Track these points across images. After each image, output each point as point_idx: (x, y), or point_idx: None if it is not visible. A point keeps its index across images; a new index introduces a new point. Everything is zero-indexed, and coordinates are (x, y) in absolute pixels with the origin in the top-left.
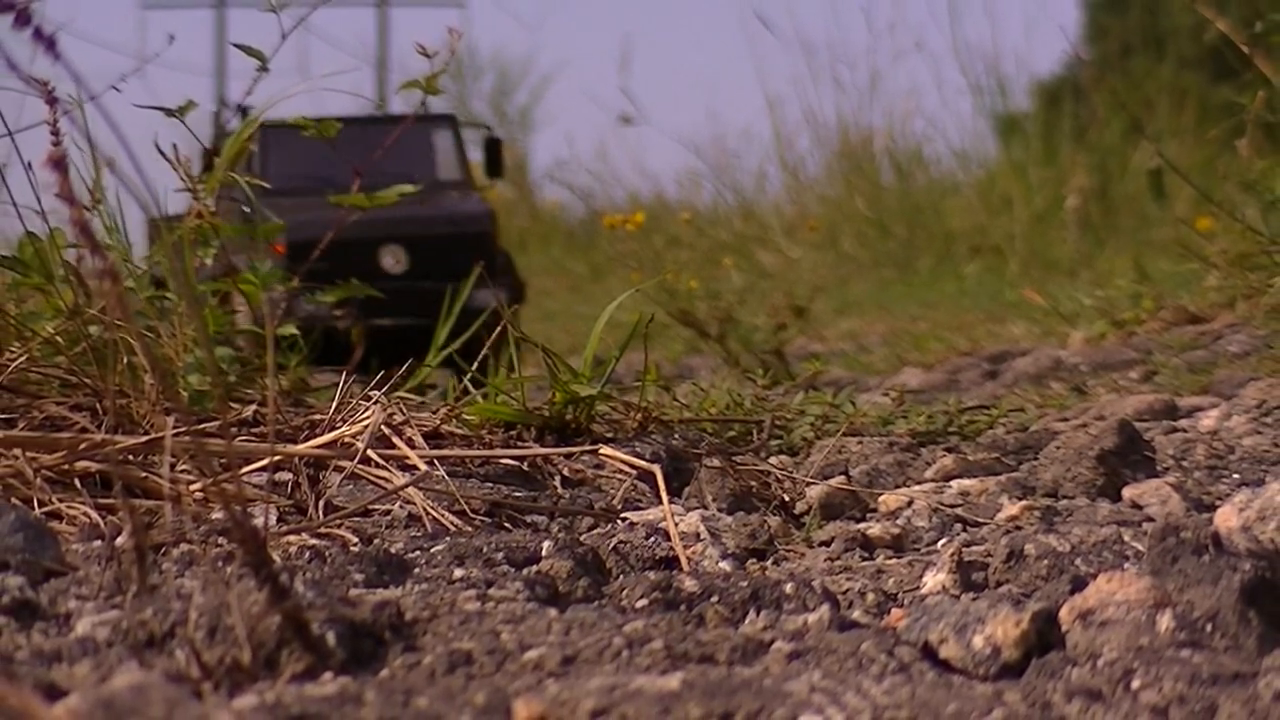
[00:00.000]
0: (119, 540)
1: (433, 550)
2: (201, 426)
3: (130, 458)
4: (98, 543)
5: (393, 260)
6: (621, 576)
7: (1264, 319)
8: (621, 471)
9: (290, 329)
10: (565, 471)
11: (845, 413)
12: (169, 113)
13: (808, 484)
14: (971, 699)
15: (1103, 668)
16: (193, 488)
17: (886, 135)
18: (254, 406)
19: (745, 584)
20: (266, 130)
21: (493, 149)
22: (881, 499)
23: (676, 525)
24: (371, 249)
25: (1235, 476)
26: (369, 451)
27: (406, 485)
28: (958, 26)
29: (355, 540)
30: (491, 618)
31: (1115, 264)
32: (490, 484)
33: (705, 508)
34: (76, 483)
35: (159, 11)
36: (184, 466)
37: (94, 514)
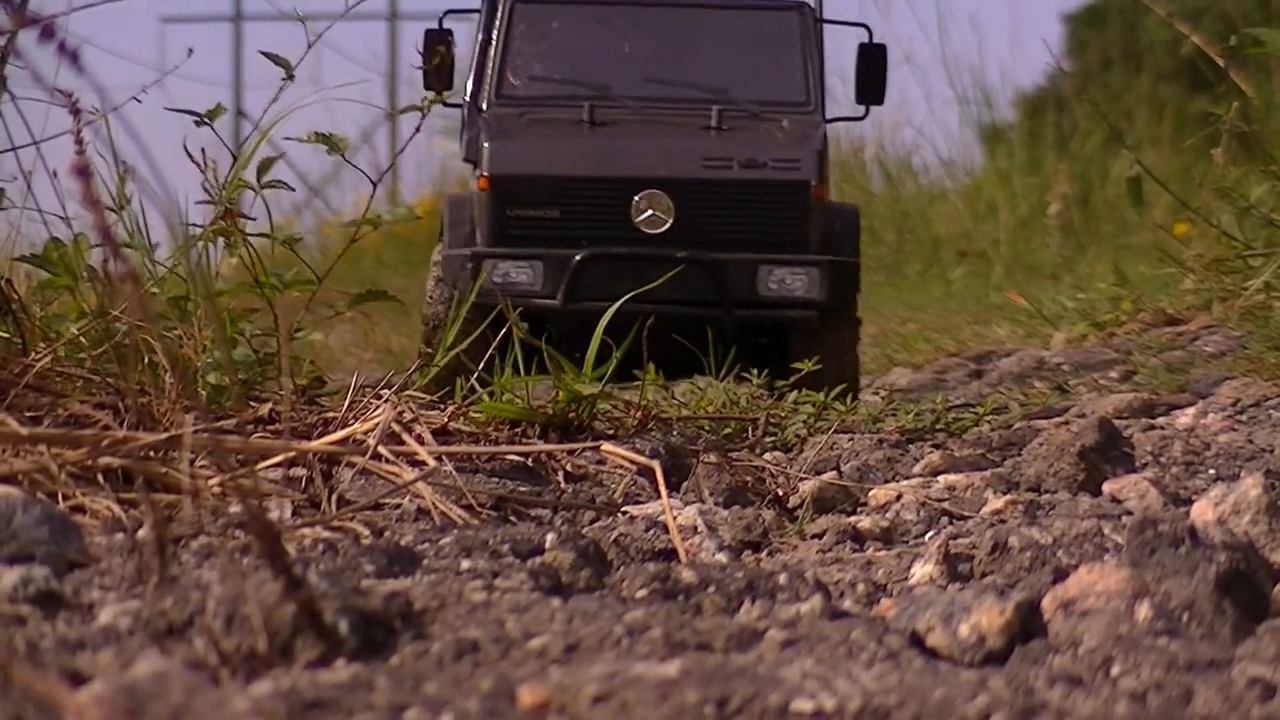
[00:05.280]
0: (140, 533)
1: (441, 543)
2: (219, 424)
3: (151, 454)
4: (120, 535)
5: (651, 213)
6: (622, 568)
7: (1239, 321)
8: (622, 467)
9: (307, 333)
10: (568, 467)
11: (837, 411)
12: (199, 120)
13: (801, 479)
14: (957, 685)
15: (1083, 655)
16: (211, 482)
17: (876, 145)
18: (270, 404)
19: (741, 575)
20: (516, 6)
21: (871, 60)
22: (871, 493)
23: (675, 519)
24: (623, 195)
25: (1211, 472)
26: (380, 448)
27: (416, 480)
28: (945, 40)
29: (367, 533)
30: (497, 607)
31: (1096, 268)
32: (496, 479)
33: (702, 502)
34: (99, 478)
35: (178, 25)
36: (203, 462)
37: (116, 508)
